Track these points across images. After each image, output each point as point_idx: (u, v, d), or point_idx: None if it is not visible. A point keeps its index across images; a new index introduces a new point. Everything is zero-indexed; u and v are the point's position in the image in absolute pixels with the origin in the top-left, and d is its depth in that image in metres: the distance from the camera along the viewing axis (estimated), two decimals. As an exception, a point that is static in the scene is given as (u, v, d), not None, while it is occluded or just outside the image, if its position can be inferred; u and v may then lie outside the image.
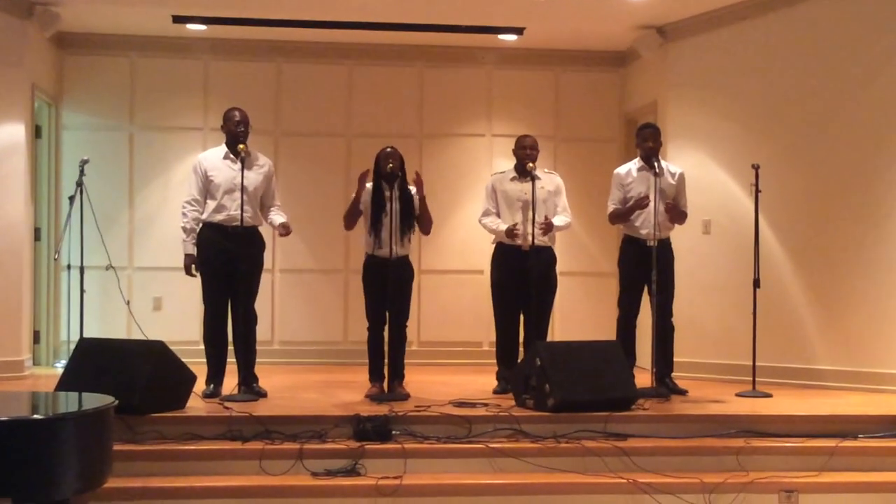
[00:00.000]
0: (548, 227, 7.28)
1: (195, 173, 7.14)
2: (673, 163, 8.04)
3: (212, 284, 7.08)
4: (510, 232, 7.30)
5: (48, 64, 9.39)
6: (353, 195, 7.18)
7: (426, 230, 7.40)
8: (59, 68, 9.65)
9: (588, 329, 9.17)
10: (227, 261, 6.94)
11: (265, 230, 7.33)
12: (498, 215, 7.51)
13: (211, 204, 7.04)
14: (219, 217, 7.02)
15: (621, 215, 7.49)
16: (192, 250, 7.06)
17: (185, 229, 7.07)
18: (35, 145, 9.11)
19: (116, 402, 4.26)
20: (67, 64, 9.73)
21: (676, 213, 7.41)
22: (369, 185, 7.16)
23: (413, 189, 7.20)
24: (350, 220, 7.27)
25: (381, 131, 9.61)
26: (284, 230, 7.19)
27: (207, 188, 7.06)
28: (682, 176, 7.64)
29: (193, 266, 7.07)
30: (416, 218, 7.23)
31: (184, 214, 7.09)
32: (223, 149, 7.15)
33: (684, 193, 7.64)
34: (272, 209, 7.28)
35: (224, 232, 6.98)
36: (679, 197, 7.59)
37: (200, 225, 7.07)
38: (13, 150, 8.56)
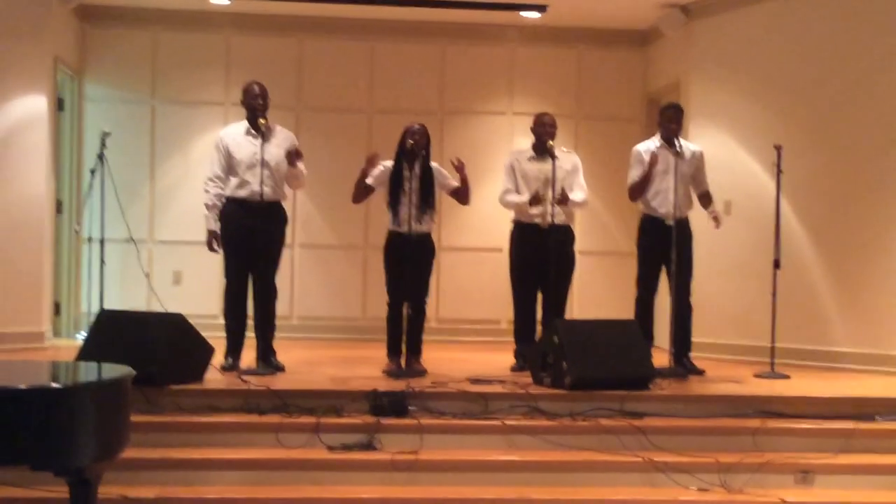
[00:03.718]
0: (564, 199, 7.26)
1: (217, 150, 7.14)
2: (695, 142, 8.00)
3: (233, 258, 7.09)
4: (534, 198, 7.27)
5: (71, 37, 9.41)
6: (360, 171, 7.16)
7: (465, 201, 7.39)
8: (81, 41, 9.67)
9: (606, 308, 9.16)
10: (248, 235, 6.94)
11: (288, 205, 7.33)
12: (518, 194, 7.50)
13: (233, 180, 7.05)
14: (241, 193, 7.02)
15: (638, 186, 7.43)
16: (215, 226, 7.07)
17: (207, 205, 7.08)
18: (57, 118, 9.15)
19: (135, 372, 4.28)
20: (90, 37, 9.75)
21: (705, 198, 7.44)
22: (389, 162, 7.15)
23: (436, 165, 7.23)
24: (356, 194, 7.24)
25: (403, 108, 9.60)
26: (295, 155, 7.05)
27: (230, 164, 7.06)
28: (701, 155, 7.61)
29: (216, 241, 7.09)
30: (453, 194, 7.24)
31: (206, 191, 7.10)
32: (244, 124, 7.15)
33: (704, 172, 7.61)
34: None
35: (246, 207, 6.98)
36: (699, 175, 7.57)
37: (223, 201, 7.08)
38: (35, 122, 8.59)
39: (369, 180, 7.16)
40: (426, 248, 7.23)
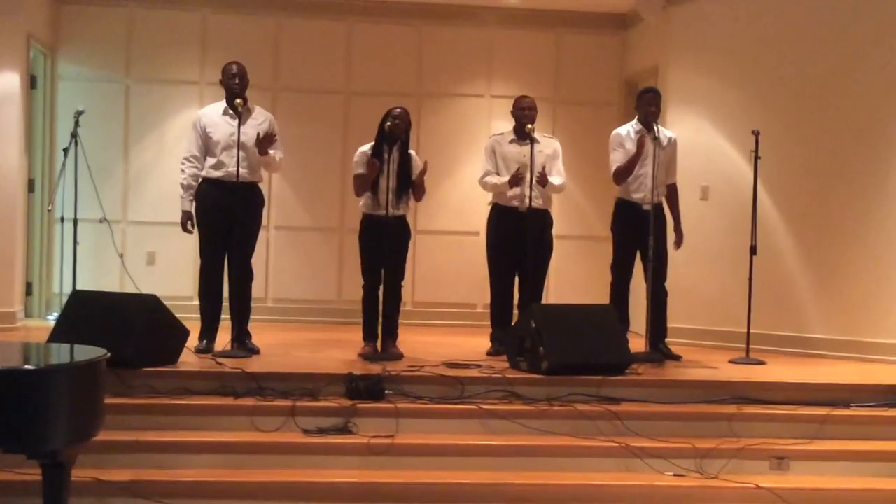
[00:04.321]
0: (542, 179, 7.24)
1: (194, 129, 7.08)
2: (672, 128, 7.99)
3: (209, 239, 7.03)
4: (515, 178, 7.24)
5: (45, 13, 9.29)
6: (362, 172, 7.09)
7: (418, 198, 7.34)
8: (55, 18, 9.55)
9: (582, 293, 9.17)
10: (224, 216, 6.88)
11: (264, 186, 7.28)
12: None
13: (210, 160, 6.99)
14: (217, 173, 6.96)
15: (624, 169, 7.36)
16: (190, 207, 7.01)
17: (182, 185, 7.02)
18: (30, 95, 9.04)
19: (109, 354, 4.23)
20: (64, 14, 9.63)
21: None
22: (367, 147, 7.10)
23: (414, 153, 7.21)
24: (360, 186, 7.15)
25: (380, 89, 9.55)
26: (266, 141, 6.93)
27: (206, 144, 7.01)
28: (674, 142, 7.59)
29: (190, 222, 7.03)
30: (411, 185, 7.18)
31: (182, 171, 7.04)
32: (222, 104, 7.08)
33: (675, 161, 7.60)
34: None
35: (222, 188, 6.92)
36: (670, 163, 7.55)
37: (199, 181, 7.02)
38: (7, 99, 8.48)
39: (360, 170, 7.09)
40: (402, 230, 7.20)
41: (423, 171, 7.09)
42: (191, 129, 7.15)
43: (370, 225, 7.12)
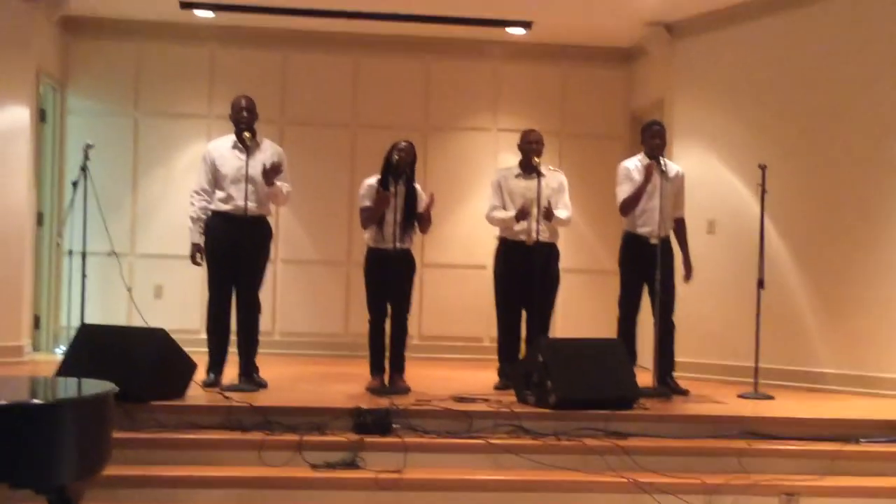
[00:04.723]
0: (548, 214, 7.24)
1: (204, 162, 7.11)
2: (678, 161, 8.01)
3: (217, 272, 7.04)
4: (521, 213, 7.24)
5: (54, 48, 9.36)
6: (370, 205, 7.10)
7: (424, 231, 7.35)
8: (65, 53, 9.61)
9: (589, 327, 9.13)
10: (232, 249, 6.90)
11: (272, 220, 7.29)
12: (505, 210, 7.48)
13: (219, 193, 7.02)
14: (225, 206, 6.98)
15: (631, 201, 7.35)
16: (199, 239, 7.03)
17: (192, 218, 7.05)
18: (39, 129, 9.08)
19: (117, 388, 4.22)
20: (74, 48, 9.69)
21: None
22: (373, 179, 7.12)
23: (419, 187, 7.22)
24: (368, 219, 7.17)
25: (387, 123, 9.58)
26: (272, 173, 6.95)
27: (215, 177, 7.04)
28: (682, 175, 7.60)
29: (199, 255, 7.04)
30: (417, 217, 7.20)
31: (192, 203, 7.07)
32: (232, 138, 7.11)
33: (683, 194, 7.60)
34: None
35: (231, 221, 6.94)
36: (678, 197, 7.55)
37: (208, 214, 7.04)
38: (17, 133, 8.52)
39: (367, 203, 7.11)
40: (407, 263, 7.20)
41: (431, 203, 7.10)
42: (200, 161, 7.18)
43: (375, 258, 7.12)
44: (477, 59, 10.15)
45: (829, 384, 7.89)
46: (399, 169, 7.05)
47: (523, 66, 10.19)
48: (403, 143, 7.14)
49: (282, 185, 7.09)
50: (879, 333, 7.69)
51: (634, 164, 7.50)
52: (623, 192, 7.44)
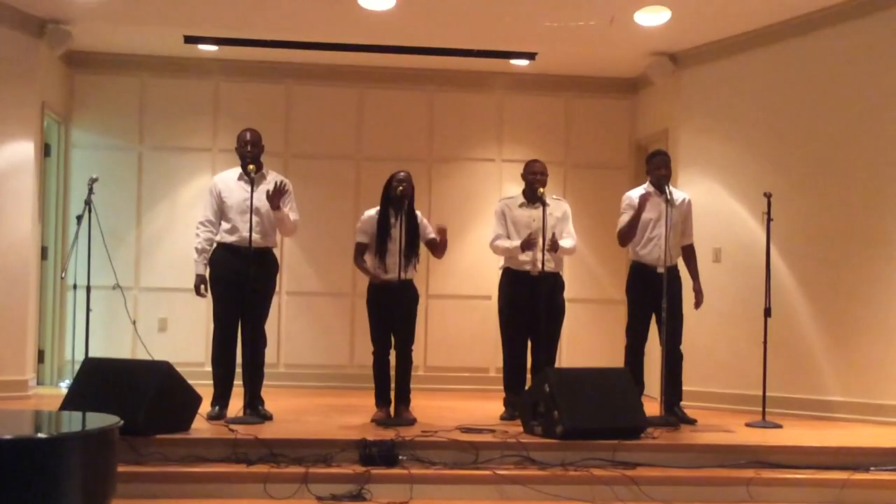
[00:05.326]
0: (554, 246, 7.24)
1: (210, 194, 7.13)
2: (683, 190, 8.00)
3: (222, 305, 7.04)
4: (527, 242, 7.23)
5: (59, 82, 9.39)
6: (365, 241, 7.15)
7: (439, 256, 7.36)
8: (69, 87, 9.65)
9: (596, 356, 9.12)
10: (238, 281, 6.89)
11: (278, 252, 7.28)
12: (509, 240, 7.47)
13: (225, 225, 7.03)
14: (231, 238, 7.00)
15: (626, 230, 7.38)
16: (203, 270, 7.03)
17: (197, 249, 7.05)
18: (44, 163, 9.10)
19: (122, 422, 4.21)
20: (78, 83, 9.73)
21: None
22: (373, 211, 7.13)
23: (419, 213, 7.23)
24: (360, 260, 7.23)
25: (391, 155, 9.60)
26: (276, 194, 6.93)
27: (221, 209, 7.05)
28: (689, 203, 7.60)
29: (203, 286, 7.03)
30: (428, 244, 7.20)
31: (197, 235, 7.08)
32: (238, 170, 7.12)
33: (691, 221, 7.60)
34: None
35: (237, 253, 6.95)
36: (686, 225, 7.55)
37: (213, 245, 7.04)
38: (22, 167, 8.53)
39: (362, 238, 7.12)
40: (410, 294, 7.19)
41: (445, 230, 7.10)
42: (207, 193, 7.20)
43: (378, 290, 7.11)
44: (481, 91, 10.17)
45: (837, 412, 7.85)
46: (401, 200, 7.05)
47: (527, 96, 10.22)
48: (402, 174, 7.15)
49: (288, 211, 7.09)
50: (887, 361, 7.65)
51: (638, 194, 7.50)
52: (623, 221, 7.45)
